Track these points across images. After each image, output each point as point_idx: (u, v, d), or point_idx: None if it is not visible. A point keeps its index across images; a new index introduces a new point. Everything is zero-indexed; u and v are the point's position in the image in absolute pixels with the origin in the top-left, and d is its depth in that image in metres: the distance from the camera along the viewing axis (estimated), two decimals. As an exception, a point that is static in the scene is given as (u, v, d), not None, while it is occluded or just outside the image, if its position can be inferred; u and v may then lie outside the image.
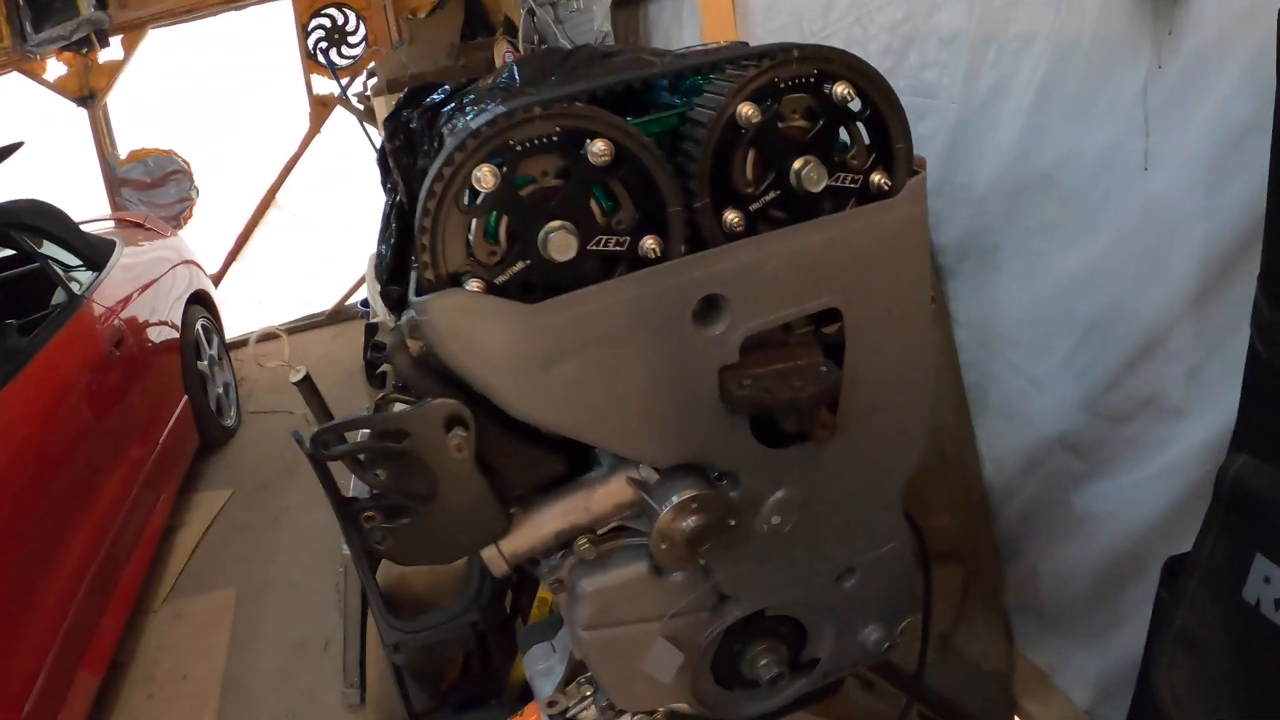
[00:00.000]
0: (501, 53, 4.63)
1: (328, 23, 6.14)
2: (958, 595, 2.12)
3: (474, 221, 0.92)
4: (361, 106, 5.87)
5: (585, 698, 1.28)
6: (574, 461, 1.09)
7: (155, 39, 6.12)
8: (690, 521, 1.02)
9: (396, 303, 1.87)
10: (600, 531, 1.11)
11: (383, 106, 4.62)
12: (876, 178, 1.03)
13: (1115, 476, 1.70)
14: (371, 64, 6.04)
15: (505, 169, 0.90)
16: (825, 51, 0.99)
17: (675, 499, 1.02)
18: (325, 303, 6.73)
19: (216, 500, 4.47)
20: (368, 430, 1.03)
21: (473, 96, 1.49)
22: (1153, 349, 1.54)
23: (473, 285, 0.91)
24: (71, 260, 4.28)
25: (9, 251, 4.44)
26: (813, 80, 0.99)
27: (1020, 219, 1.82)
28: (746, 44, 1.25)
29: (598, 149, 0.90)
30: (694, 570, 1.11)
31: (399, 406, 1.03)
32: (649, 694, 1.22)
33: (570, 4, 3.80)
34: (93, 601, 3.18)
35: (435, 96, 1.65)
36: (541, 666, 1.31)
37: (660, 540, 1.03)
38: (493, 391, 0.95)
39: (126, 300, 4.27)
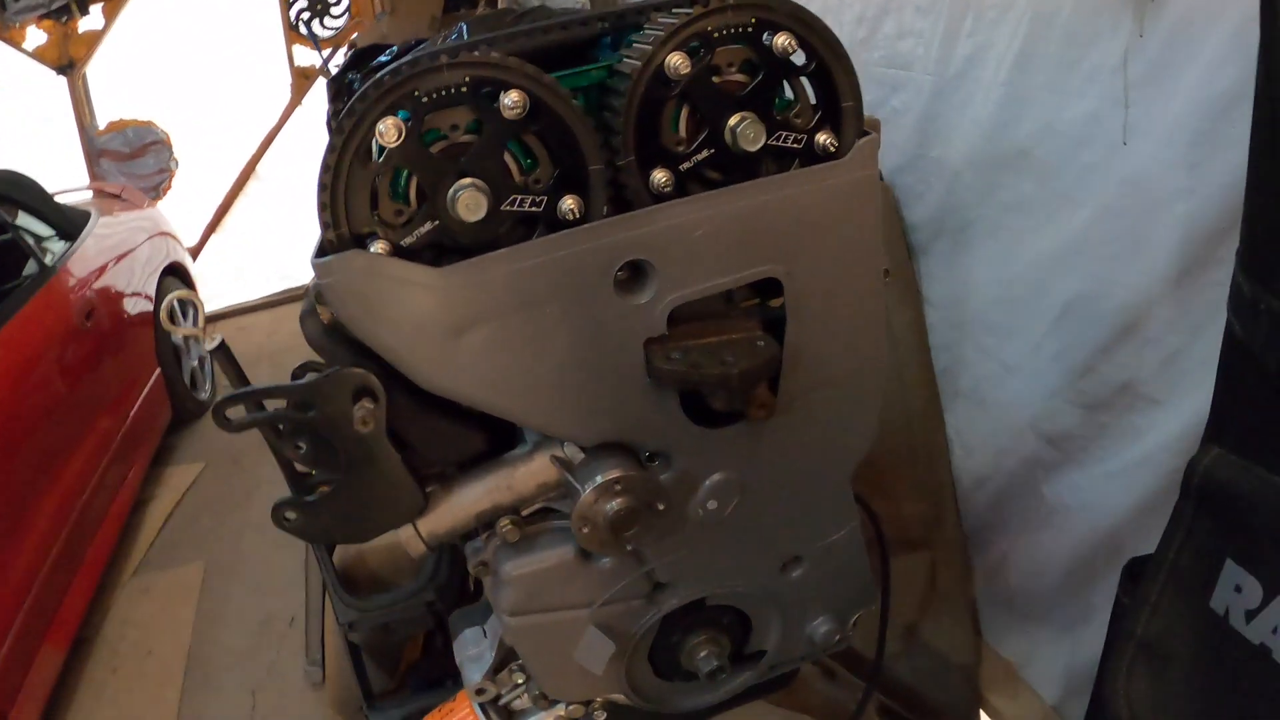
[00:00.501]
0: (484, 26, 4.60)
1: (309, -9, 6.12)
2: (924, 585, 2.11)
3: (378, 179, 0.85)
4: (344, 79, 5.84)
5: (517, 685, 1.22)
6: (496, 438, 1.03)
7: (136, 8, 6.10)
8: (614, 504, 0.96)
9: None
10: (524, 512, 1.05)
11: (364, 79, 4.60)
12: (822, 138, 0.96)
13: (1088, 466, 1.69)
14: (354, 35, 6.01)
15: (411, 122, 0.83)
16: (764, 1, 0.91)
17: (599, 479, 0.96)
18: (304, 276, 6.72)
19: (188, 474, 4.45)
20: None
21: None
22: (1130, 333, 1.52)
23: (378, 247, 0.85)
24: (45, 231, 4.26)
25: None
26: (751, 29, 0.91)
27: (995, 195, 1.80)
28: None
29: (511, 100, 0.83)
30: (623, 555, 1.05)
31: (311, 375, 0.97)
32: (582, 684, 1.17)
33: (555, -14, 3.75)
34: (59, 575, 3.18)
35: (383, 58, 1.58)
36: (471, 652, 1.25)
37: (581, 523, 0.97)
38: (400, 361, 0.89)
39: (99, 271, 4.26)
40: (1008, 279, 1.79)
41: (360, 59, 1.65)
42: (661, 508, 1.01)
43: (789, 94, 0.98)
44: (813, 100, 0.99)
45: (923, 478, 2.03)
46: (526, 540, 1.05)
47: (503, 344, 0.89)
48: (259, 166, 6.52)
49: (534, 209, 0.87)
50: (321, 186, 0.84)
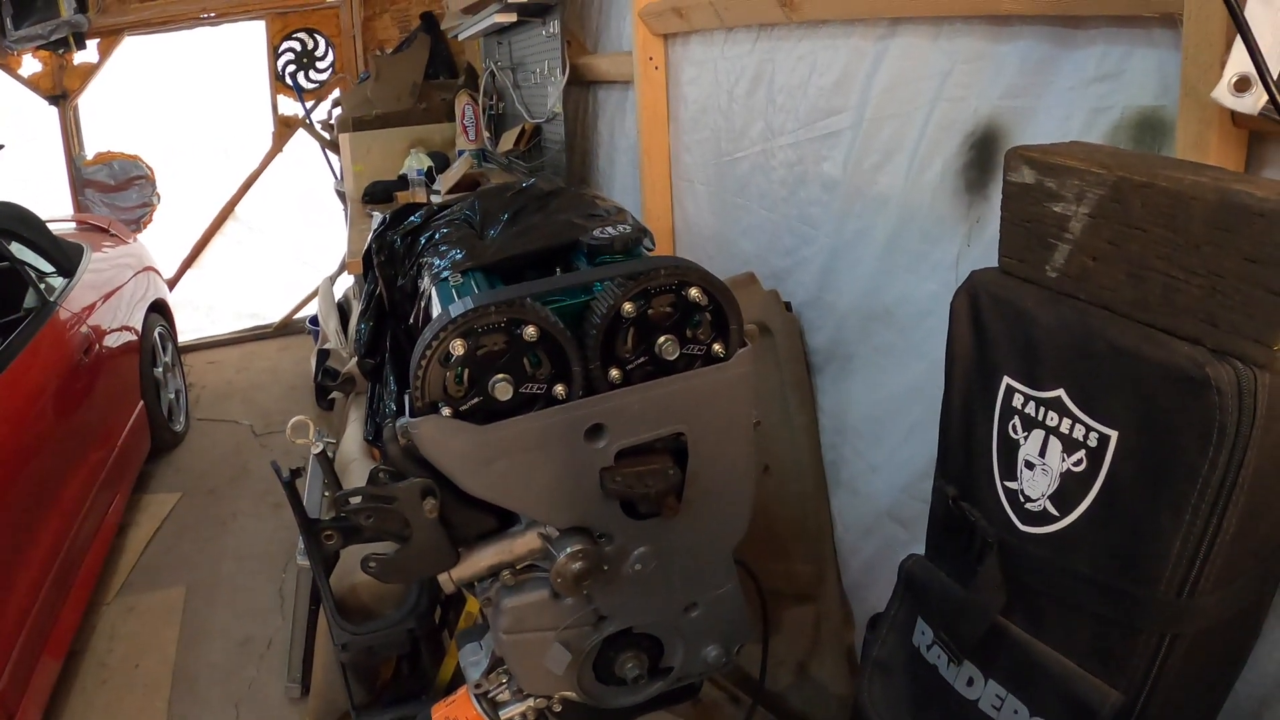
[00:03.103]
0: (462, 105, 5.22)
1: (298, 46, 6.70)
2: (812, 631, 2.71)
3: (448, 372, 1.55)
4: (326, 134, 6.42)
5: (502, 683, 1.91)
6: (503, 520, 1.72)
7: (130, 46, 6.60)
8: (577, 565, 1.65)
9: (371, 371, 2.50)
10: (518, 567, 1.73)
11: (347, 143, 5.19)
12: (716, 347, 1.66)
13: (928, 544, 2.31)
14: (336, 91, 6.59)
15: (470, 340, 1.53)
16: (684, 268, 1.62)
17: (568, 550, 1.65)
18: (274, 315, 7.26)
19: (166, 502, 4.97)
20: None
21: (445, 230, 2.12)
22: (948, 452, 2.18)
23: (445, 411, 1.54)
24: (41, 263, 4.73)
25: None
26: (675, 286, 1.62)
27: (870, 339, 2.42)
28: (643, 231, 1.89)
29: (529, 332, 1.53)
30: (580, 597, 1.74)
31: (383, 475, 1.66)
32: (547, 683, 1.83)
33: (529, 76, 4.38)
34: (55, 592, 3.61)
35: (414, 219, 2.27)
36: (472, 659, 1.94)
37: (557, 576, 1.66)
38: (454, 477, 1.58)
39: (93, 307, 4.74)
40: (875, 402, 2.43)
41: (396, 220, 2.33)
42: (606, 568, 1.71)
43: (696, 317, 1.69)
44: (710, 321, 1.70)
45: (812, 545, 2.69)
46: (518, 585, 1.73)
47: (517, 469, 1.59)
48: (237, 208, 7.05)
49: (538, 391, 1.57)
50: (415, 376, 1.53)
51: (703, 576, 1.86)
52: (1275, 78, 1.19)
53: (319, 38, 6.75)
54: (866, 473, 2.53)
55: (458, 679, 2.70)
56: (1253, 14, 1.20)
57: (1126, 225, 1.23)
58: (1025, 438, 1.37)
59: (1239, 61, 1.22)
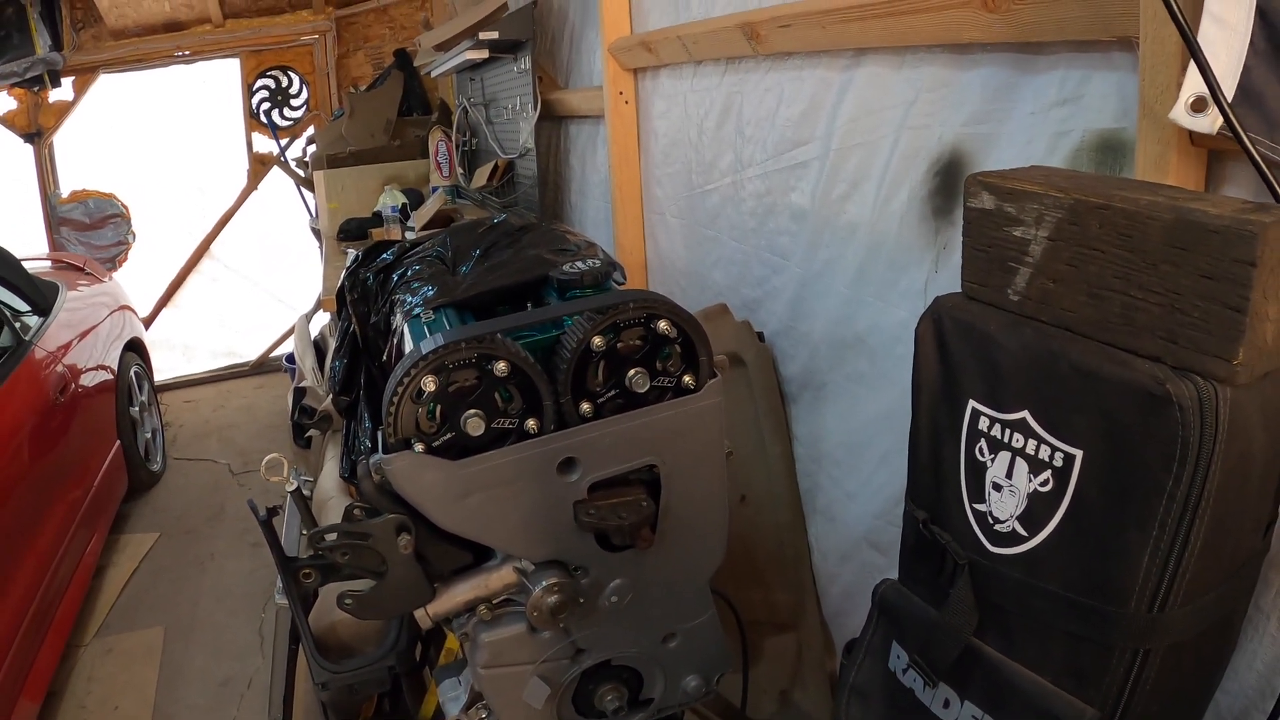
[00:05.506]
0: (436, 140, 5.24)
1: (272, 84, 6.73)
2: (793, 659, 2.73)
3: (420, 408, 1.55)
4: (301, 171, 6.44)
5: (482, 718, 1.90)
6: (478, 555, 1.72)
7: (105, 84, 6.61)
8: (553, 598, 1.65)
9: (346, 408, 2.49)
10: (494, 602, 1.73)
11: (321, 180, 5.19)
12: (686, 379, 1.67)
13: (906, 568, 2.34)
14: (310, 129, 6.61)
15: (441, 377, 1.54)
16: (652, 301, 1.63)
17: (544, 583, 1.65)
18: (250, 353, 7.24)
19: (144, 542, 4.95)
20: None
21: (417, 267, 2.13)
22: (923, 477, 2.20)
23: (418, 448, 1.54)
24: (16, 302, 4.72)
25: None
26: (644, 319, 1.63)
27: (842, 367, 2.44)
28: (613, 265, 1.91)
29: (500, 367, 1.54)
30: (557, 631, 1.74)
31: (358, 511, 1.66)
32: (527, 717, 1.82)
33: (501, 112, 4.41)
34: (33, 634, 3.61)
35: (386, 256, 2.28)
36: (451, 695, 1.93)
37: (533, 610, 1.66)
38: (427, 511, 1.58)
39: (69, 346, 4.73)
40: (849, 429, 2.45)
41: (369, 257, 2.34)
42: (582, 601, 1.71)
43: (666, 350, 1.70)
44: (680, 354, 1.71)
45: (790, 573, 2.71)
46: (495, 619, 1.73)
47: (490, 504, 1.59)
48: (213, 246, 7.05)
49: (510, 426, 1.58)
50: (388, 413, 1.53)
51: (680, 607, 1.86)
52: (1229, 98, 1.21)
53: (293, 75, 6.79)
54: (843, 500, 2.54)
55: (439, 716, 2.69)
56: (1206, 35, 1.22)
57: (1085, 247, 1.24)
58: (992, 460, 1.38)
59: (1195, 83, 1.24)
